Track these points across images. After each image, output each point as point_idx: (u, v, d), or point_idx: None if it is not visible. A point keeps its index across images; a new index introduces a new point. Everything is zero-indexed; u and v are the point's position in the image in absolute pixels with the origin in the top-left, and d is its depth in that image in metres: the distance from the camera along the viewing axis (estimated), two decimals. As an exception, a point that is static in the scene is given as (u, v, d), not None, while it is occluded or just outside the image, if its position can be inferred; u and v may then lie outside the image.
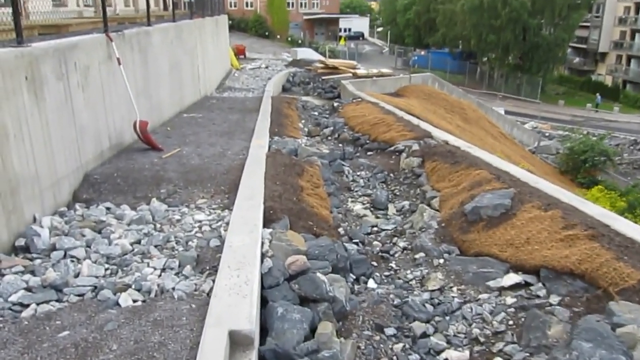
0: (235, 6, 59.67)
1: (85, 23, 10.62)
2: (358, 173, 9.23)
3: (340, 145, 12.34)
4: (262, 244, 4.71)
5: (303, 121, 15.03)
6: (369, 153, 11.09)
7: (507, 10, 48.00)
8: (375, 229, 7.05)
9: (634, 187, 24.06)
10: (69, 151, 6.48)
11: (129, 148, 8.74)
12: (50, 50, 6.06)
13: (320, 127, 14.34)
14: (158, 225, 5.56)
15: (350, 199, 8.32)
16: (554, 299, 4.50)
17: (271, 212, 5.57)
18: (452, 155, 8.48)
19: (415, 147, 9.48)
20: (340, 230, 6.43)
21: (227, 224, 5.44)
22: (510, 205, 5.87)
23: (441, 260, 5.66)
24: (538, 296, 4.66)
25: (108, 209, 6.06)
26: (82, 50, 7.06)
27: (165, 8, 29.43)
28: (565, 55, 56.25)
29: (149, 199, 6.45)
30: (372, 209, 7.96)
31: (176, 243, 5.06)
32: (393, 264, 5.90)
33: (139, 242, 5.09)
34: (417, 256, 5.88)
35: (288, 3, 61.75)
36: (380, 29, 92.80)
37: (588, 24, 60.05)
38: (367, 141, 11.70)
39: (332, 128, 13.43)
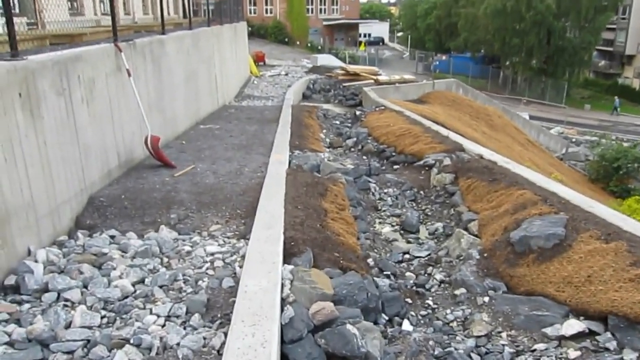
0: (254, 13, 59.38)
1: (100, 32, 10.10)
2: (385, 190, 8.55)
3: (365, 157, 11.68)
4: (283, 286, 4.06)
5: (324, 131, 14.41)
6: (395, 167, 10.41)
7: (532, 14, 46.81)
8: (407, 256, 6.36)
9: (671, 196, 22.88)
10: (70, 173, 5.92)
11: (140, 165, 8.18)
12: (49, 63, 5.51)
13: (343, 137, 13.71)
14: (165, 260, 4.95)
15: (378, 220, 7.64)
16: (629, 355, 3.78)
17: (292, 243, 4.93)
18: (489, 171, 7.75)
19: (447, 161, 8.77)
20: (370, 260, 5.75)
21: (243, 257, 4.82)
22: (565, 235, 5.13)
23: (486, 299, 4.95)
24: (607, 349, 3.94)
25: (112, 237, 5.48)
26: (87, 62, 6.52)
27: (185, 16, 29.15)
28: (592, 58, 54.76)
29: (158, 225, 5.86)
30: (402, 231, 7.28)
31: (184, 283, 4.44)
32: (430, 301, 5.21)
33: (142, 281, 4.48)
34: (457, 292, 5.18)
35: (307, 9, 61.24)
36: (400, 34, 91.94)
37: (614, 26, 58.52)
38: (393, 153, 11.01)
39: (355, 139, 12.78)
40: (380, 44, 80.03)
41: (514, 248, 5.32)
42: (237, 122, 13.04)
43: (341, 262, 5.02)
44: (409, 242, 6.86)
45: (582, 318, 4.30)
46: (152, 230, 5.75)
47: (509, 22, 48.46)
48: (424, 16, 74.29)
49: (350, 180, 8.28)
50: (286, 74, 27.46)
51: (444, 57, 61.16)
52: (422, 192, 8.47)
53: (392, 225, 7.43)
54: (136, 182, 7.16)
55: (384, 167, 10.19)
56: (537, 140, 30.62)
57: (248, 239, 5.22)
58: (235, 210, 6.32)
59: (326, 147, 12.41)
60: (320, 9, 63.16)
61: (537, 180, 7.01)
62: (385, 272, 5.62)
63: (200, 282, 4.44)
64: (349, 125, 15.88)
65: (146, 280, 4.46)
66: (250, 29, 43.95)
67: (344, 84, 23.90)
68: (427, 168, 9.17)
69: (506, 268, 5.20)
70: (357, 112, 16.44)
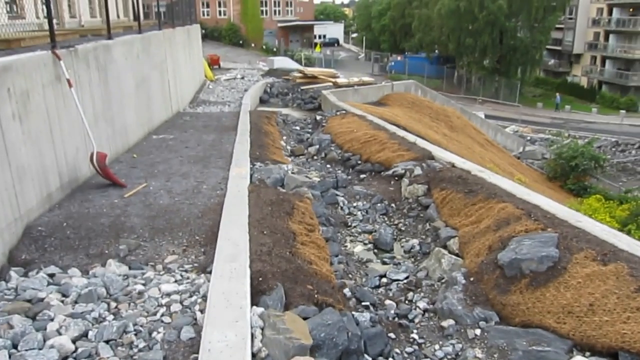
0: (207, 15, 58.13)
1: (40, 37, 9.20)
2: (355, 204, 8.03)
3: (329, 166, 11.17)
4: (253, 337, 3.46)
5: (285, 137, 13.82)
6: (362, 176, 9.91)
7: (484, 14, 47.36)
8: (384, 279, 5.84)
9: (627, 193, 23.32)
10: (1, 201, 5.15)
11: (86, 185, 7.40)
12: (-30, 76, 4.75)
13: (304, 144, 13.15)
14: (113, 304, 4.26)
15: (349, 237, 7.11)
16: (648, 399, 3.35)
17: (260, 279, 4.33)
18: (463, 182, 7.34)
19: (418, 171, 8.32)
20: (346, 290, 5.19)
21: (204, 298, 4.19)
22: (558, 256, 4.71)
23: (477, 331, 4.47)
24: (621, 391, 3.51)
25: (51, 276, 4.75)
26: (19, 73, 5.75)
27: (136, 18, 27.92)
28: (542, 57, 55.93)
29: (106, 258, 5.16)
30: (375, 250, 6.77)
31: (136, 335, 3.77)
32: (415, 334, 4.69)
33: (85, 334, 3.78)
34: (445, 324, 4.68)
35: (262, 11, 60.41)
36: (355, 35, 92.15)
37: (562, 26, 59.98)
38: (359, 162, 10.52)
39: (317, 146, 12.24)
40: (336, 45, 79.93)
41: (504, 272, 4.86)
42: (193, 131, 12.30)
43: (316, 296, 4.45)
44: (384, 262, 6.35)
45: (588, 354, 3.87)
46: (99, 264, 5.05)
47: (462, 22, 48.94)
48: (378, 17, 74.55)
49: (317, 195, 7.72)
50: (242, 78, 26.72)
51: (399, 58, 61.37)
52: (393, 204, 7.99)
53: (365, 244, 6.91)
54: (81, 206, 6.41)
55: (350, 178, 9.68)
56: (494, 139, 30.82)
57: (209, 273, 4.60)
58: (194, 237, 5.67)
59: (288, 156, 11.83)
60: (275, 11, 62.43)
61: (517, 192, 6.62)
62: (364, 303, 5.08)
63: (154, 334, 3.78)
64: (310, 130, 15.34)
65: (90, 333, 3.77)
66: (204, 31, 42.87)
67: (302, 87, 23.36)
68: (396, 178, 8.70)
69: (497, 295, 4.74)
70: (318, 117, 15.89)
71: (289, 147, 12.79)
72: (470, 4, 47.40)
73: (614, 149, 38.77)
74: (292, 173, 8.45)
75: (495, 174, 7.67)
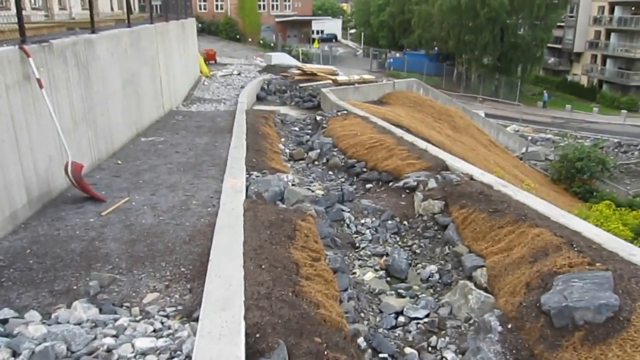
0: (204, 9, 57.05)
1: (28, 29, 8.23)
2: (362, 221, 7.19)
3: (331, 173, 10.34)
4: None
5: (283, 139, 12.99)
6: (368, 185, 9.09)
7: (486, 10, 46.54)
8: (401, 318, 5.02)
9: (636, 198, 22.57)
10: (-53, 228, 4.30)
11: (60, 198, 6.56)
12: None
13: (304, 147, 12.31)
14: (73, 369, 3.43)
15: (357, 262, 6.28)
16: None
17: (258, 335, 3.50)
18: (486, 198, 6.51)
19: (432, 183, 7.49)
20: (360, 340, 4.37)
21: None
22: (619, 304, 3.90)
23: (523, 398, 3.66)
24: None
25: (4, 322, 3.90)
26: (-25, 73, 4.89)
27: (130, 11, 26.83)
28: (543, 55, 55.20)
29: (73, 296, 4.32)
30: (388, 278, 5.94)
31: (97, 419, 2.95)
32: (445, 397, 3.88)
33: (32, 416, 2.96)
34: (481, 385, 3.86)
35: (259, 5, 59.33)
36: (353, 31, 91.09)
37: (563, 24, 59.16)
38: (364, 169, 9.70)
39: (318, 150, 11.40)
40: (334, 40, 78.98)
41: (551, 320, 4.04)
42: (185, 133, 11.44)
43: (326, 352, 3.63)
44: (400, 295, 5.52)
45: None
46: (64, 304, 4.20)
47: (463, 19, 48.11)
48: (377, 13, 73.53)
49: (320, 211, 6.88)
50: (239, 74, 25.80)
51: (398, 55, 60.56)
52: (406, 222, 7.15)
53: (376, 270, 6.08)
54: (51, 227, 5.56)
55: (356, 188, 8.85)
56: (497, 139, 30.07)
57: (195, 321, 3.77)
58: (179, 268, 4.83)
59: (287, 160, 11.00)
60: (273, 5, 61.42)
61: (551, 214, 5.80)
62: (381, 355, 4.26)
63: (121, 418, 2.96)
64: (310, 131, 14.50)
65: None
66: (200, 25, 41.90)
67: (301, 85, 22.51)
68: (407, 191, 7.88)
69: (544, 350, 3.92)
70: (318, 117, 15.02)
71: (287, 151, 11.96)
72: (472, 0, 46.55)
73: (616, 150, 38.05)
74: (293, 185, 7.61)
75: (520, 189, 6.84)
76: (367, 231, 6.91)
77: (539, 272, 4.68)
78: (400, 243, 6.71)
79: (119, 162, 8.58)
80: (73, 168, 6.33)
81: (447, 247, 6.24)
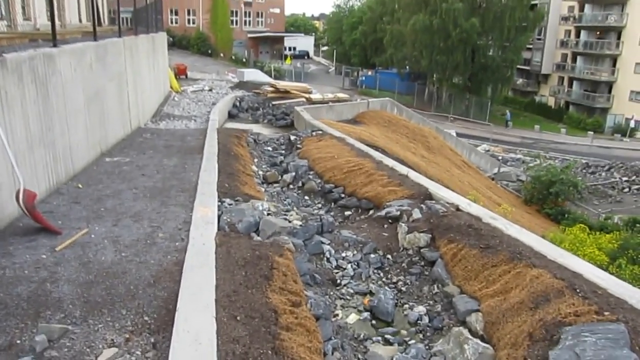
0: (176, 23, 56.27)
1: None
2: (343, 254, 6.70)
3: (307, 197, 9.86)
4: None
5: (256, 160, 12.46)
6: (347, 213, 8.64)
7: (458, 31, 47.06)
8: (391, 372, 4.54)
9: (607, 220, 22.68)
10: None
11: (11, 229, 5.90)
12: None
13: (278, 169, 11.82)
14: None
15: (338, 300, 5.78)
16: None
17: (233, 410, 2.97)
18: (476, 233, 6.12)
19: (417, 214, 7.07)
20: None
21: None
22: (638, 365, 3.51)
23: None
24: None
25: None
26: None
27: (100, 23, 25.91)
28: (513, 76, 56.12)
29: (16, 352, 3.71)
30: (373, 321, 5.45)
31: None
32: None
33: None
34: None
35: (232, 21, 58.86)
36: (325, 48, 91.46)
37: (531, 46, 60.38)
38: (342, 195, 9.26)
39: (293, 174, 10.92)
40: (306, 57, 79.08)
41: (562, 381, 3.62)
42: (153, 153, 10.83)
43: None
44: (387, 341, 5.03)
45: None
46: (4, 364, 3.60)
47: (435, 39, 48.54)
48: (349, 31, 74.03)
49: (298, 244, 6.37)
50: (210, 90, 25.20)
51: (370, 73, 60.76)
52: (389, 255, 6.69)
53: (359, 311, 5.60)
54: (-5, 265, 4.92)
55: (333, 215, 8.38)
56: (469, 159, 30.09)
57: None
58: (142, 317, 4.24)
59: (260, 183, 10.48)
60: (245, 21, 61.04)
61: (547, 252, 5.42)
62: (373, 422, 3.77)
63: None
64: (283, 151, 14.01)
65: None
66: (171, 39, 41.16)
67: (274, 102, 22.10)
68: (390, 221, 7.43)
69: (557, 418, 3.49)
70: (292, 137, 14.56)
71: (261, 172, 11.44)
72: (444, 21, 47.09)
73: (584, 171, 38.59)
74: (269, 214, 7.09)
75: (511, 223, 6.46)
76: (349, 266, 6.43)
77: (542, 320, 4.26)
78: (384, 280, 6.24)
79: (80, 185, 7.93)
80: (25, 197, 5.69)
81: (435, 286, 5.80)
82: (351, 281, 6.14)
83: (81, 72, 9.23)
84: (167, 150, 11.21)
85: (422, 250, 6.44)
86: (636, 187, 32.01)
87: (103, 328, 4.08)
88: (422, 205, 7.32)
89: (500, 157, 37.99)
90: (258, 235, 6.40)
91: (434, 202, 7.47)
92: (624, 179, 33.49)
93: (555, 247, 5.65)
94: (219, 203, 7.24)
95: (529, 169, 29.67)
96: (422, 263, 6.31)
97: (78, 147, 8.88)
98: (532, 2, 54.04)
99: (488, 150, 40.79)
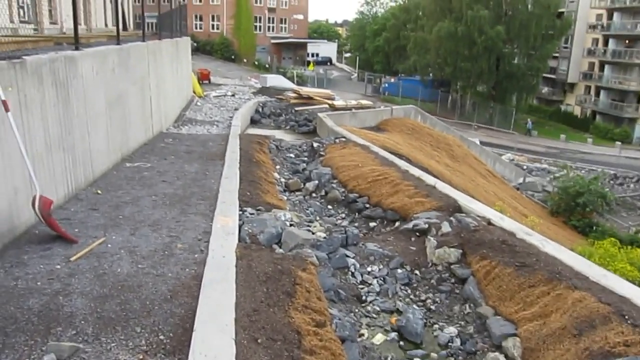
0: (200, 28, 56.72)
1: (7, 42, 7.37)
2: (369, 269, 6.39)
3: (330, 207, 9.59)
4: None
5: (278, 167, 12.23)
6: (372, 224, 8.34)
7: (483, 39, 46.47)
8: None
9: (638, 234, 21.97)
10: None
11: (26, 236, 5.72)
12: None
13: (301, 177, 11.56)
14: None
15: (364, 319, 5.47)
16: None
17: None
18: (510, 249, 5.77)
19: (446, 227, 6.74)
20: None
21: None
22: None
23: None
24: None
25: None
26: None
27: (125, 28, 26.02)
28: (539, 84, 55.21)
29: (23, 373, 3.49)
30: (401, 342, 5.14)
31: None
32: None
33: None
34: None
35: (255, 26, 59.11)
36: (348, 55, 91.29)
37: (557, 55, 59.38)
38: (367, 205, 8.96)
39: (316, 182, 10.64)
40: (328, 64, 78.95)
41: (615, 422, 3.28)
42: (174, 159, 10.66)
43: None
44: (417, 365, 4.72)
45: None
46: (10, 386, 3.38)
47: (460, 46, 47.99)
48: (372, 38, 73.68)
49: (322, 257, 6.08)
50: (233, 95, 25.13)
51: (392, 80, 60.35)
52: (417, 271, 6.37)
53: (386, 331, 5.29)
54: (8, 275, 4.72)
55: (358, 226, 8.09)
56: (493, 169, 29.54)
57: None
58: (157, 335, 3.99)
59: (282, 191, 10.23)
60: (269, 27, 61.23)
61: (589, 272, 5.05)
62: None
63: None
64: (306, 158, 13.76)
65: None
66: (195, 44, 41.39)
67: (297, 108, 21.93)
68: (418, 234, 7.11)
69: None
70: (315, 144, 14.30)
71: (283, 180, 11.20)
72: (469, 28, 46.53)
73: (612, 182, 37.67)
74: (291, 224, 6.83)
75: (548, 240, 6.09)
76: (375, 281, 6.11)
77: (587, 350, 3.91)
78: (412, 297, 5.92)
79: (99, 191, 7.76)
80: (41, 204, 5.51)
81: (467, 306, 5.47)
82: (377, 298, 5.83)
83: (103, 75, 9.10)
84: (189, 156, 11.03)
85: (452, 266, 6.10)
86: (667, 199, 31.11)
87: (116, 347, 3.84)
88: (451, 219, 6.98)
89: (525, 167, 37.28)
90: (280, 247, 6.14)
91: (464, 215, 7.12)
92: (654, 191, 32.55)
93: (597, 268, 5.27)
94: (240, 212, 7.00)
95: (556, 179, 28.98)
96: (453, 280, 5.97)
97: (98, 152, 8.73)
98: (559, 10, 53.15)
99: (512, 160, 40.01)
